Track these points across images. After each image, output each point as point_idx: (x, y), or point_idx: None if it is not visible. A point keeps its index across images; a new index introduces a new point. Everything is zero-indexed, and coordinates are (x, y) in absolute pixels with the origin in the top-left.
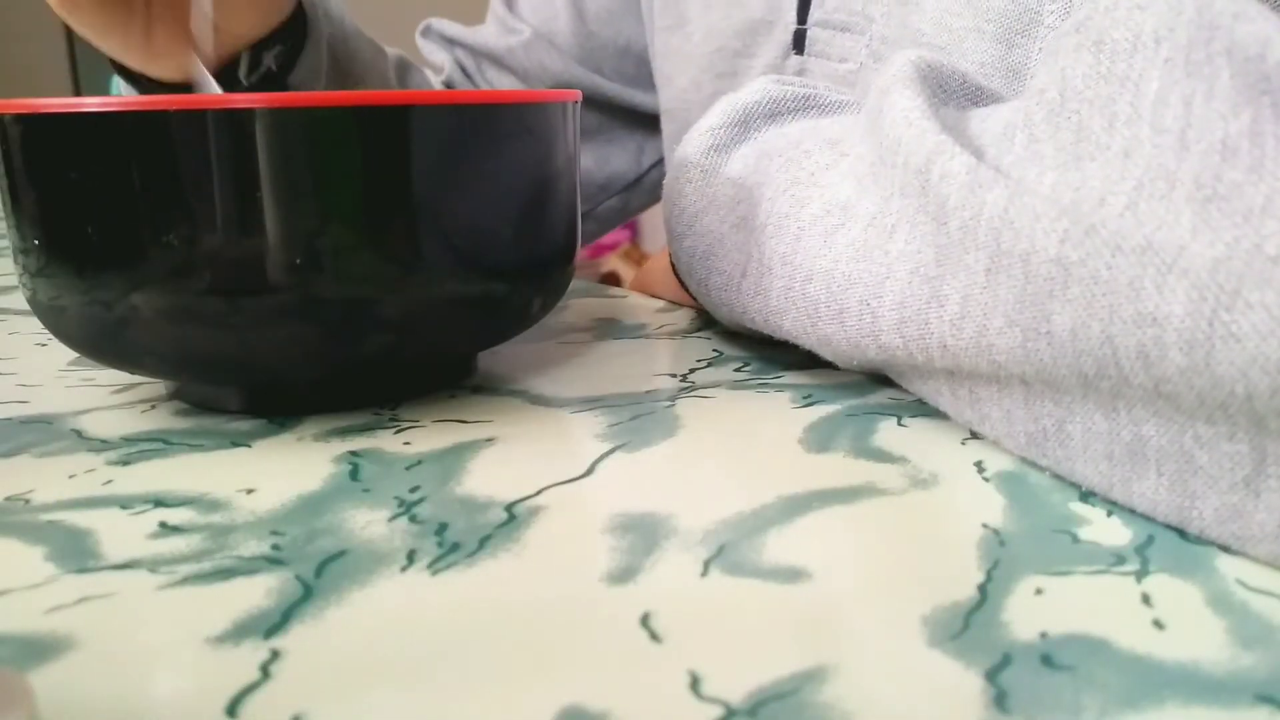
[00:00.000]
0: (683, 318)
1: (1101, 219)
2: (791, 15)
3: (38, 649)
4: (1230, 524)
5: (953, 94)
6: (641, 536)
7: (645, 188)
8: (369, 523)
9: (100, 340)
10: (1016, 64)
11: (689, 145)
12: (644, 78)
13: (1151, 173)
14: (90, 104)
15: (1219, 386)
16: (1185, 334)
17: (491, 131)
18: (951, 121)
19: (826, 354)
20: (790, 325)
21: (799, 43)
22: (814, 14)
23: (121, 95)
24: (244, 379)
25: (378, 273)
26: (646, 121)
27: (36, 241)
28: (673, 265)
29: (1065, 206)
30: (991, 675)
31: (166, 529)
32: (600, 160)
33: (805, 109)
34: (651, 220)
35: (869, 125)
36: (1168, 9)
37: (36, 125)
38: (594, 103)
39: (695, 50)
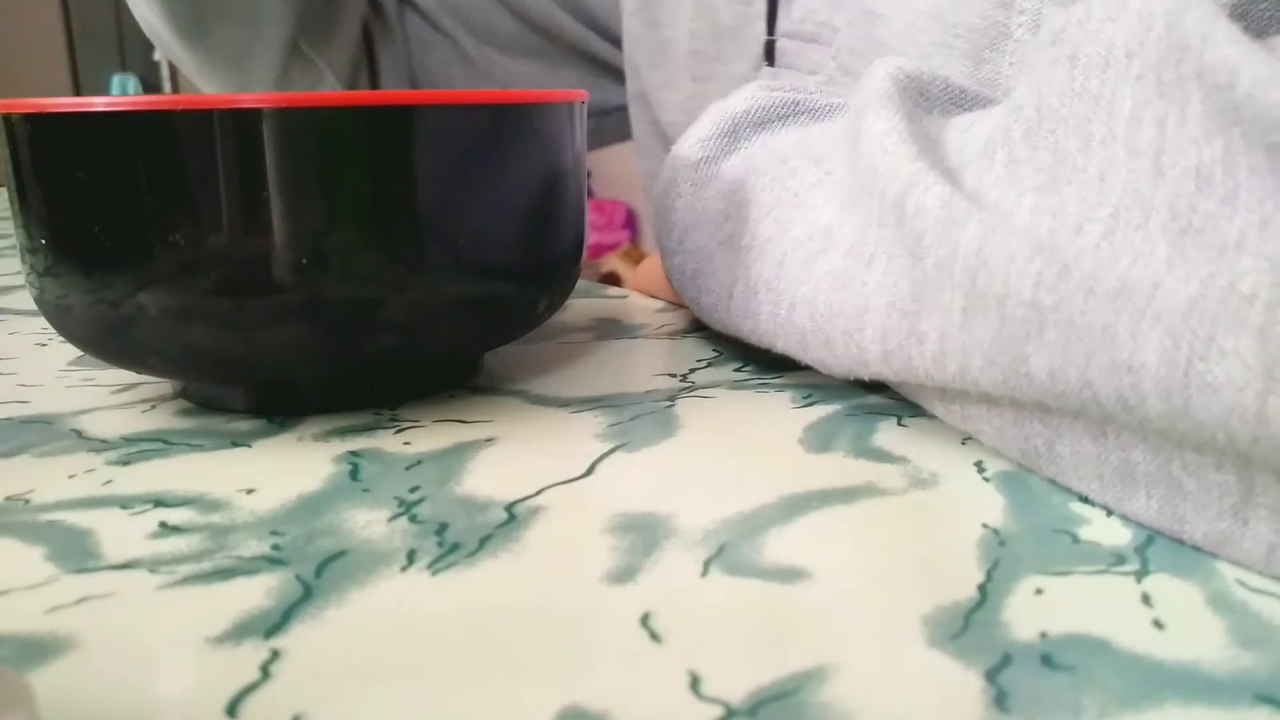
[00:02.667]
0: (683, 318)
1: (1076, 255)
2: (761, 25)
3: (38, 649)
4: (1219, 548)
5: (936, 101)
6: (641, 536)
7: (608, 131)
8: (369, 523)
9: (106, 339)
10: (986, 79)
11: (679, 158)
12: (597, 25)
13: (1127, 199)
14: (98, 103)
15: (1199, 431)
16: (1162, 382)
17: (498, 132)
18: (935, 132)
19: (824, 371)
20: (782, 346)
21: (770, 54)
22: (781, 24)
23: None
24: (250, 379)
25: (385, 273)
26: (598, 67)
27: (43, 241)
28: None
29: (1041, 242)
30: (991, 675)
31: (166, 529)
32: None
33: (795, 114)
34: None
35: (848, 147)
36: (1138, 23)
37: (44, 125)
38: (535, 26)
39: (668, 48)
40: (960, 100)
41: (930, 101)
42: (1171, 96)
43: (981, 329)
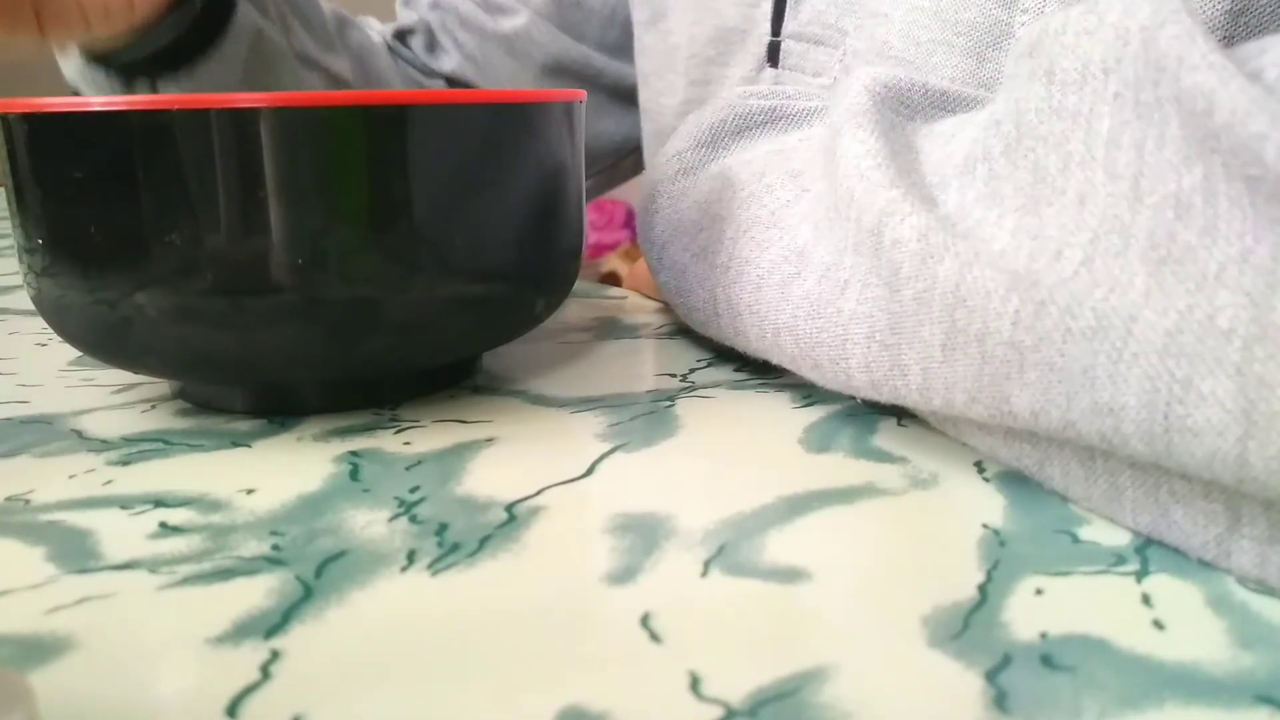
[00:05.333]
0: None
1: (1052, 287)
2: (765, 26)
3: (38, 649)
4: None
5: (917, 108)
6: (641, 536)
7: (625, 169)
8: (369, 523)
9: (104, 340)
10: (988, 78)
11: (657, 171)
12: (628, 49)
13: (1107, 224)
14: (95, 103)
15: (1185, 470)
16: (1142, 425)
17: (497, 132)
18: (916, 142)
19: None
20: (776, 362)
21: (774, 55)
22: (788, 25)
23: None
24: (247, 379)
25: (383, 273)
26: (632, 101)
27: (41, 240)
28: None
29: (1018, 274)
30: (991, 675)
31: (166, 529)
32: (588, 136)
33: (772, 120)
34: None
35: (825, 165)
36: (1115, 37)
37: (41, 124)
38: (581, 76)
39: (673, 53)
40: (942, 103)
41: (911, 109)
42: (1150, 119)
43: (963, 366)
